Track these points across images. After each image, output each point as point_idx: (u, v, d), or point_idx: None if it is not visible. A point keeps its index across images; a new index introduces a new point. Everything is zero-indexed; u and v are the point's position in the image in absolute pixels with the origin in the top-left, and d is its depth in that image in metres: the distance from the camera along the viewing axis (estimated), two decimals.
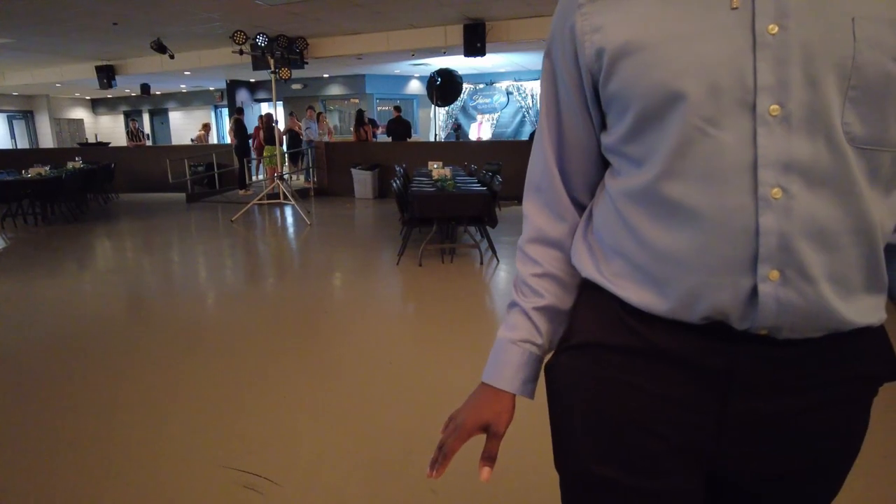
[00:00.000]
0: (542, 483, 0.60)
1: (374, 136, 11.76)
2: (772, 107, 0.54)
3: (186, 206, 9.60)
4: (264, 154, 10.70)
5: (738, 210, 0.56)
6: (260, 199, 8.36)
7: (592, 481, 0.69)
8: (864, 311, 0.61)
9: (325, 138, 11.35)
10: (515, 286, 0.80)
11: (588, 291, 0.72)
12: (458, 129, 14.66)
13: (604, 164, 0.74)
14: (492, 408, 0.76)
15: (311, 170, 10.82)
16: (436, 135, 14.67)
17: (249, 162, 10.98)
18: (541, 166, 0.77)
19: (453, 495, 1.90)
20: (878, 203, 0.57)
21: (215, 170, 10.90)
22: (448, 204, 5.05)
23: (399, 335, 3.60)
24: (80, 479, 2.07)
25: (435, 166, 6.82)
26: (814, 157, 0.54)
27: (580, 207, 0.77)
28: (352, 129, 11.81)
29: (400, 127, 11.08)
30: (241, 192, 10.55)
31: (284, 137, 10.96)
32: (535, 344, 0.77)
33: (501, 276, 4.90)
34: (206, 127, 14.16)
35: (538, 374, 0.79)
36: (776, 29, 0.54)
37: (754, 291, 0.57)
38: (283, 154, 9.90)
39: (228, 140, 11.68)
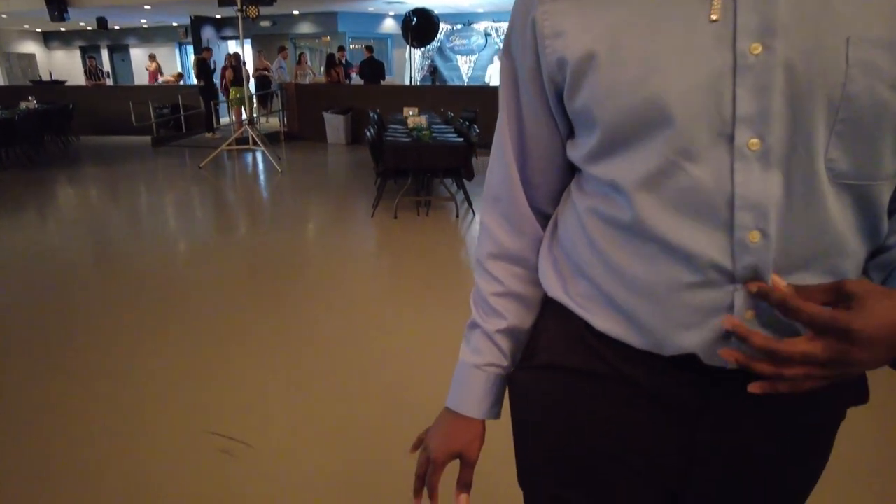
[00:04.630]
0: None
1: (349, 77, 11.35)
2: (751, 140, 0.49)
3: (152, 150, 9.25)
4: (231, 95, 10.28)
5: (714, 251, 0.52)
6: (229, 145, 8.07)
7: (553, 494, 0.68)
8: None
9: (308, 79, 10.93)
10: (475, 304, 0.75)
11: (553, 308, 0.68)
12: (434, 73, 14.24)
13: (570, 172, 0.69)
14: (462, 437, 0.75)
15: (281, 112, 10.47)
16: (411, 77, 14.24)
17: (217, 104, 10.55)
18: (501, 175, 0.71)
19: None
20: (860, 235, 0.54)
21: (181, 112, 10.46)
22: (424, 156, 4.95)
23: (375, 290, 3.59)
24: (51, 445, 2.05)
25: (410, 113, 6.64)
26: (792, 195, 0.50)
27: (544, 218, 0.72)
28: (322, 70, 11.38)
29: (373, 68, 10.70)
30: (209, 135, 10.19)
31: (253, 79, 10.52)
32: (500, 366, 0.74)
33: (477, 229, 4.88)
34: (152, 58, 13.50)
35: (504, 393, 0.76)
36: (760, 49, 0.48)
37: (729, 333, 0.54)
38: (251, 96, 9.52)
39: (194, 81, 11.16)
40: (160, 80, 13.41)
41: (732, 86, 0.49)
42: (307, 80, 10.90)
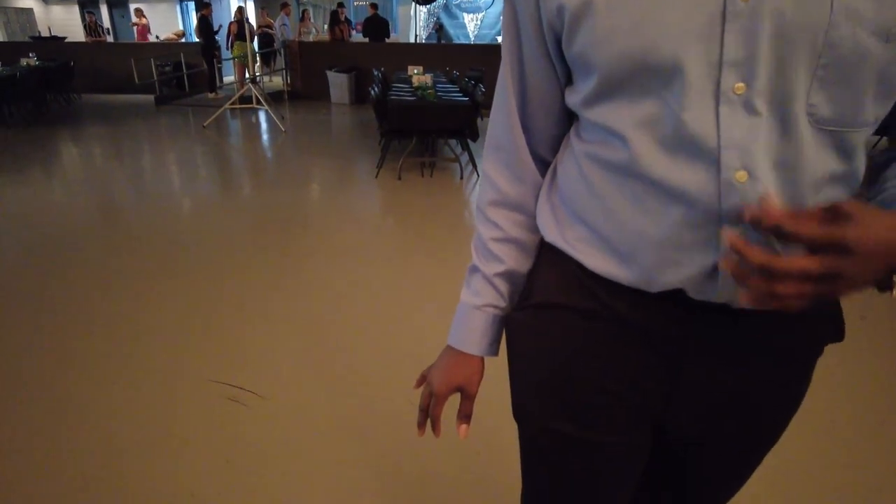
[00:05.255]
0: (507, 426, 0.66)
1: (350, 35, 11.15)
2: (737, 85, 0.51)
3: (155, 109, 9.18)
4: (234, 51, 10.12)
5: (703, 191, 0.55)
6: (232, 104, 8.01)
7: (549, 434, 0.73)
8: None
9: (311, 37, 10.74)
10: (476, 249, 0.79)
11: (550, 252, 0.72)
12: (440, 30, 13.95)
13: (568, 120, 0.72)
14: (462, 372, 0.80)
15: (284, 71, 10.33)
16: (416, 35, 13.96)
17: (219, 62, 10.40)
18: (502, 122, 0.73)
19: None
20: (842, 177, 0.56)
21: (184, 70, 10.33)
22: (428, 116, 4.91)
23: (378, 249, 3.63)
24: (61, 390, 2.13)
25: (415, 72, 6.56)
26: (775, 139, 0.52)
27: (543, 165, 0.75)
28: (326, 27, 11.16)
29: (377, 26, 10.49)
30: (211, 95, 10.08)
31: (256, 36, 10.34)
32: (498, 307, 0.78)
33: None
34: (139, 13, 12.84)
35: (501, 332, 0.81)
36: None
37: (715, 268, 0.57)
38: (254, 53, 9.38)
39: (195, 38, 10.97)
40: (153, 36, 13.02)
41: (721, 32, 0.50)
42: (311, 38, 10.72)
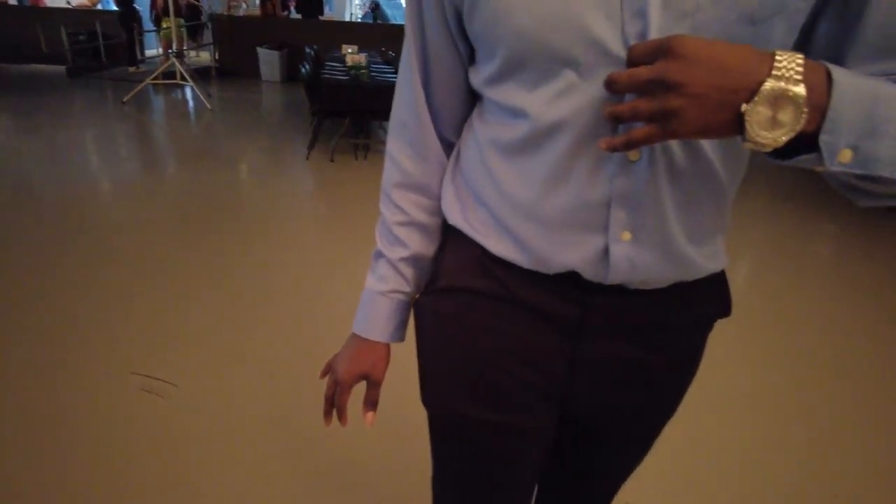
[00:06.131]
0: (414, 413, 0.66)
1: (287, 9, 10.74)
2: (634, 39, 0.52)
3: (68, 81, 8.54)
4: (163, 26, 9.53)
5: (594, 170, 0.57)
6: (154, 79, 7.55)
7: (458, 418, 0.73)
8: (711, 261, 0.66)
9: (242, 10, 10.24)
10: (380, 234, 0.78)
11: (455, 235, 0.72)
12: (376, 10, 13.66)
13: (473, 100, 0.71)
14: (367, 359, 0.79)
15: (213, 46, 9.83)
16: (351, 14, 13.62)
17: (140, 34, 9.77)
18: (407, 99, 0.71)
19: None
20: (725, 167, 0.59)
21: (100, 40, 9.63)
22: (362, 96, 4.81)
23: (309, 234, 3.55)
24: None
25: (349, 51, 6.39)
26: None
27: (448, 146, 0.75)
28: (258, 1, 10.69)
29: (311, 2, 10.14)
30: (132, 69, 9.47)
31: (183, 7, 9.76)
32: (404, 292, 0.78)
33: None
34: None
35: (408, 317, 0.80)
36: None
37: (606, 250, 0.59)
38: (179, 26, 8.86)
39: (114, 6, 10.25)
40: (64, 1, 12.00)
41: (620, 9, 0.51)
42: (241, 12, 10.24)
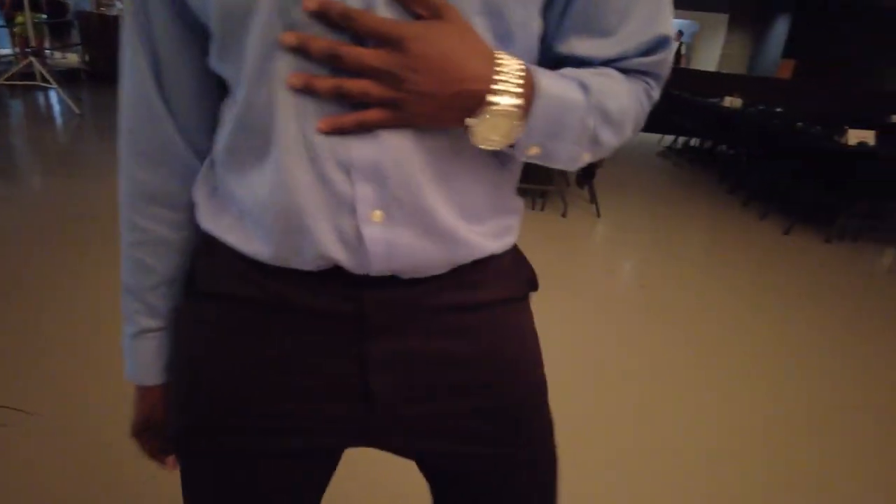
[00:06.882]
0: None
1: None
2: None
3: None
4: (17, 21, 8.62)
5: (324, 138, 0.49)
6: (8, 79, 6.80)
7: (216, 442, 0.62)
8: (494, 241, 0.60)
9: (116, 10, 9.47)
10: (122, 265, 0.65)
11: (206, 239, 0.61)
12: None
13: (221, 93, 0.60)
14: (145, 404, 0.71)
15: (80, 47, 9.05)
16: None
17: None
18: (134, 96, 0.59)
19: None
20: (487, 164, 0.57)
21: None
22: None
23: None
24: None
25: None
26: None
27: (195, 149, 0.62)
28: None
29: None
30: None
31: (43, 3, 8.91)
32: (159, 328, 0.67)
33: None
34: None
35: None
36: None
37: (360, 235, 0.52)
38: (40, 23, 8.08)
39: None
40: None
41: None
42: (115, 11, 9.51)
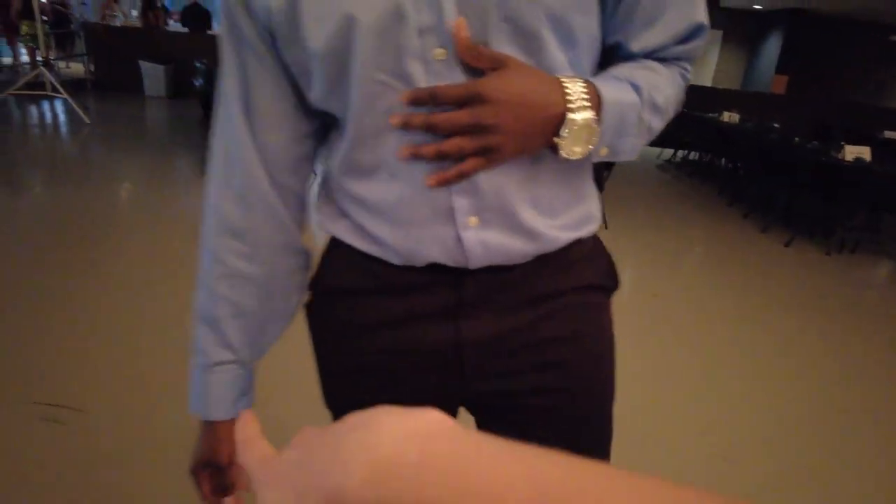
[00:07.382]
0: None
1: (167, 23, 10.20)
2: (436, 51, 0.54)
3: None
4: (22, 31, 8.68)
5: (427, 167, 0.57)
6: (18, 89, 6.85)
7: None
8: (570, 231, 0.67)
9: (118, 21, 9.54)
10: (199, 290, 0.69)
11: (330, 240, 0.71)
12: None
13: (314, 137, 0.67)
14: (207, 442, 0.71)
15: (86, 57, 9.11)
16: None
17: None
18: (228, 133, 0.64)
19: None
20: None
21: None
22: None
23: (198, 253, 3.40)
24: None
25: None
26: None
27: (287, 192, 0.67)
28: (136, 13, 10.09)
29: (197, 15, 9.73)
30: None
31: (48, 11, 8.99)
32: (233, 361, 0.69)
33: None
34: None
35: (249, 384, 0.72)
36: None
37: (460, 239, 0.61)
38: (46, 33, 8.13)
39: None
40: None
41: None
42: (118, 23, 9.59)
